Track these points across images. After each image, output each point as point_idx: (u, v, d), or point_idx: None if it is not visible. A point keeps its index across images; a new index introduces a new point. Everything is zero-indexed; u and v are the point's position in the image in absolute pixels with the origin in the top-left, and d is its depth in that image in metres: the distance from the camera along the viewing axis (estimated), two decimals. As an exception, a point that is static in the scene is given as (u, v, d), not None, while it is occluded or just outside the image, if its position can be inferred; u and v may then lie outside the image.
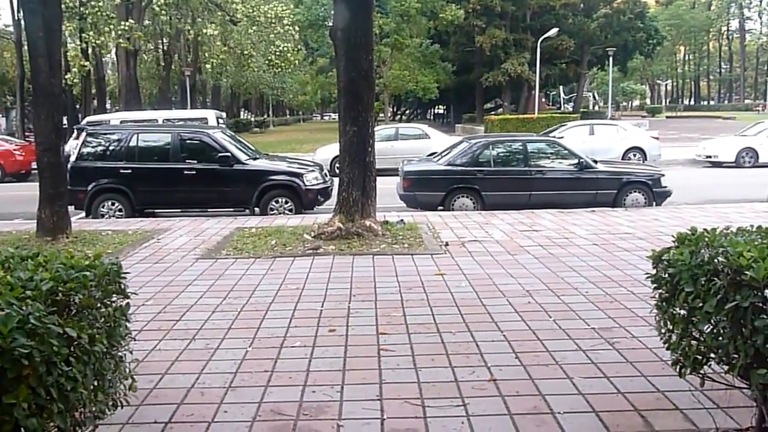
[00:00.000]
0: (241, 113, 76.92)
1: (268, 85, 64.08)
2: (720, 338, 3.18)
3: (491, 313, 5.79)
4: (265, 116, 76.86)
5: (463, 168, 12.58)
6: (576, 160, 12.68)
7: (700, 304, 3.21)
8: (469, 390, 4.16)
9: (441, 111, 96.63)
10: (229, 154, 12.34)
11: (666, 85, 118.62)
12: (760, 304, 2.94)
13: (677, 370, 3.52)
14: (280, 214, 12.24)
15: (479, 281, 6.94)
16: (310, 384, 4.30)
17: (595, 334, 5.18)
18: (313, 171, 12.90)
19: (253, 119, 68.46)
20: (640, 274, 6.62)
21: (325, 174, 13.42)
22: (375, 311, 5.88)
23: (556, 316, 5.65)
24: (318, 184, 12.67)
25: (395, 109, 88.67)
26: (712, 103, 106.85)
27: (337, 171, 10.64)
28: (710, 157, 22.98)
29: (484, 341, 5.04)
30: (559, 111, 65.08)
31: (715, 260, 3.20)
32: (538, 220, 10.94)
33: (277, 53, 29.09)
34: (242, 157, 12.60)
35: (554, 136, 18.68)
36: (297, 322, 5.60)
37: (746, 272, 2.92)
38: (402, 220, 10.63)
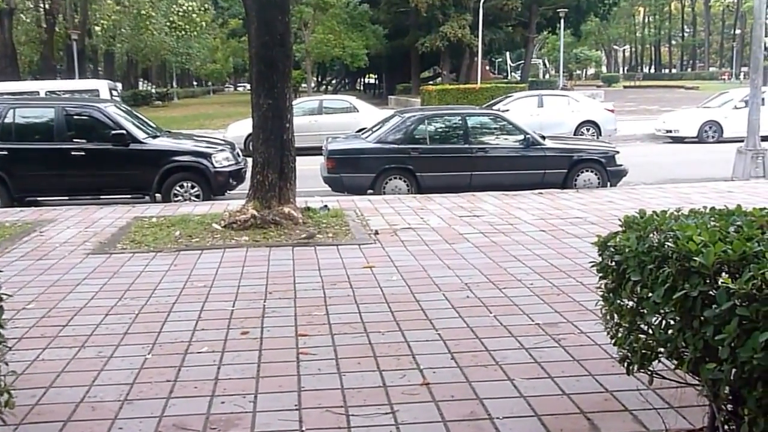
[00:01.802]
0: (140, 84, 75.17)
1: (170, 51, 62.62)
2: (669, 331, 3.30)
3: (425, 309, 5.87)
4: (168, 88, 75.47)
5: (396, 146, 12.68)
6: (522, 136, 12.93)
7: (648, 295, 3.29)
8: (398, 396, 4.22)
9: (372, 81, 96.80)
10: (124, 131, 12.14)
11: (624, 51, 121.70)
12: (710, 293, 3.08)
13: (625, 367, 3.65)
14: (185, 200, 12.18)
15: (412, 274, 7.03)
16: (219, 394, 4.29)
17: (539, 331, 5.32)
18: (223, 151, 12.85)
19: (153, 91, 66.96)
20: (589, 263, 6.89)
21: (238, 154, 13.41)
22: (294, 310, 5.91)
23: (498, 312, 5.77)
24: (229, 165, 12.64)
25: (319, 79, 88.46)
26: (674, 71, 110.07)
27: (252, 150, 10.62)
28: (671, 131, 23.74)
29: (416, 341, 5.11)
30: (505, 80, 65.98)
31: (664, 246, 3.32)
32: (480, 204, 11.16)
33: (181, 13, 28.58)
34: (140, 135, 12.44)
35: (499, 109, 19.02)
36: (204, 325, 5.58)
37: (695, 258, 3.00)
38: (326, 206, 10.70)
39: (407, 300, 6.16)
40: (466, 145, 12.77)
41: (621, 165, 13.24)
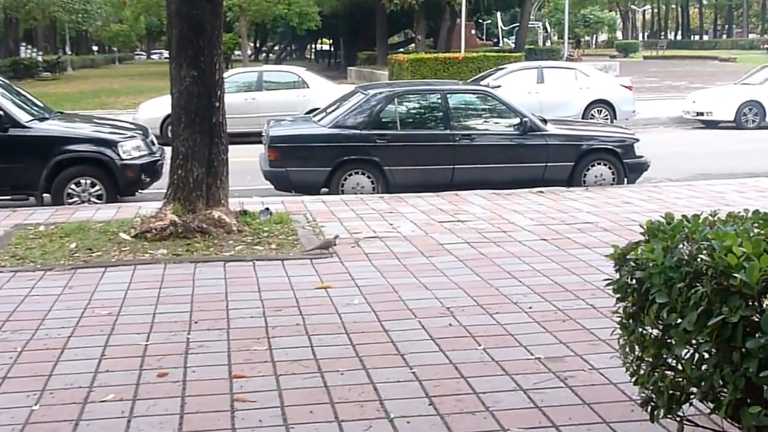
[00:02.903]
0: (22, 50, 74.35)
1: (62, 6, 62.09)
2: (703, 366, 3.32)
3: (396, 341, 5.87)
4: (60, 55, 74.34)
5: (357, 132, 12.72)
6: (518, 120, 12.96)
7: (677, 321, 3.33)
8: (363, 454, 4.28)
9: (326, 48, 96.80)
10: (0, 112, 12.06)
11: (644, 12, 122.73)
12: (754, 318, 3.06)
13: (648, 412, 3.68)
14: (83, 203, 12.01)
15: (380, 296, 7.08)
16: (130, 456, 4.32)
17: (540, 367, 5.33)
18: (133, 138, 12.71)
19: (40, 59, 66.07)
20: (603, 280, 7.00)
21: (153, 142, 13.28)
22: (227, 344, 5.89)
23: (488, 344, 5.78)
24: (141, 156, 12.49)
25: (257, 45, 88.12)
26: (705, 38, 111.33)
27: (171, 137, 10.55)
28: (702, 114, 23.89)
29: (385, 383, 5.10)
30: (495, 48, 66.36)
31: (697, 259, 3.32)
32: (465, 206, 11.23)
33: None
34: (22, 116, 12.26)
35: (488, 85, 18.96)
36: (109, 365, 5.51)
37: (735, 275, 3.02)
38: (268, 209, 10.62)
39: (373, 329, 6.17)
40: (447, 131, 12.86)
41: (641, 156, 13.33)
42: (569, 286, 7.28)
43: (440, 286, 7.36)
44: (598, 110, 22.79)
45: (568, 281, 7.45)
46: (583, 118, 21.85)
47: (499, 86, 20.30)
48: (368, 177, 12.72)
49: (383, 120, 12.96)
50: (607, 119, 22.06)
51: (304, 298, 7.04)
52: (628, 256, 3.82)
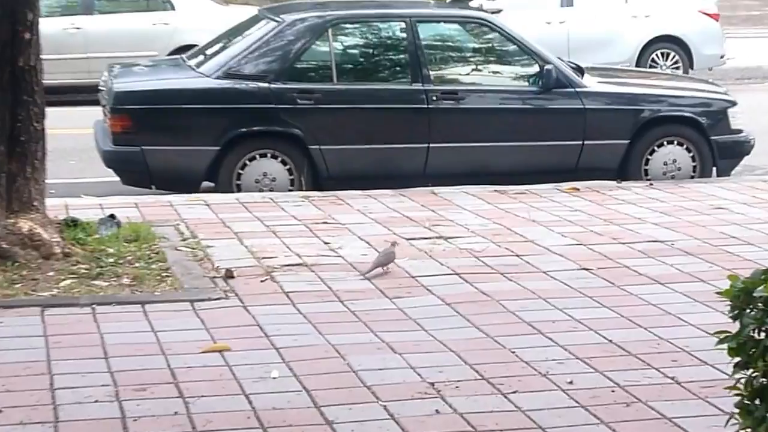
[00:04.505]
0: None
1: None
2: None
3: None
4: None
5: (265, 86, 12.73)
6: (535, 68, 13.06)
7: None
8: None
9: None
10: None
11: None
12: None
13: None
14: None
15: (315, 365, 6.88)
16: None
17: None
18: None
19: None
20: (690, 336, 7.26)
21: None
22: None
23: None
24: None
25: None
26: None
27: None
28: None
29: None
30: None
31: None
32: (450, 212, 11.27)
33: None
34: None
35: (482, 8, 19.13)
36: None
37: None
38: (113, 217, 10.40)
39: (307, 422, 5.99)
40: (417, 86, 12.85)
41: (739, 131, 13.39)
42: (633, 348, 7.09)
43: (416, 348, 7.15)
44: (662, 53, 22.84)
45: (629, 339, 7.28)
46: (637, 65, 21.98)
47: (499, 10, 20.18)
48: (283, 163, 12.72)
49: (308, 67, 13.00)
50: (677, 68, 22.08)
51: (184, 369, 6.78)
52: (755, 293, 3.73)
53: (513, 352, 7.10)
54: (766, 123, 14.40)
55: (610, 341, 7.29)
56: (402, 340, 7.38)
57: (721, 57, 23.16)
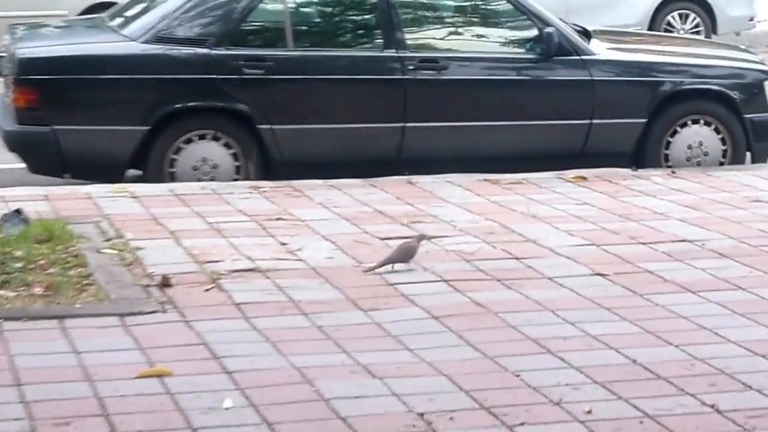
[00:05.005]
0: None
1: None
2: None
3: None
4: None
5: (203, 52, 12.77)
6: (533, 31, 13.13)
7: None
8: None
9: None
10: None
11: None
12: None
13: None
14: None
15: (276, 393, 6.68)
16: None
17: None
18: None
19: None
20: (730, 354, 7.15)
21: None
22: None
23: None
24: None
25: None
26: None
27: None
28: None
29: None
30: None
31: None
32: (432, 205, 11.31)
33: None
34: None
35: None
36: None
37: None
38: (19, 212, 10.40)
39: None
40: (391, 52, 12.90)
41: None
42: (662, 369, 6.88)
43: (400, 371, 6.95)
44: (680, 14, 22.92)
45: (657, 359, 7.09)
46: (650, 29, 21.89)
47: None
48: (227, 146, 12.71)
49: (258, 28, 13.03)
50: (698, 32, 22.09)
51: (115, 398, 6.54)
52: None
53: (517, 376, 6.90)
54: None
55: (634, 362, 7.11)
56: (382, 361, 7.18)
57: (751, 19, 23.25)
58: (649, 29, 21.68)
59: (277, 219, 10.69)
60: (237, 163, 12.36)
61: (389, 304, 8.32)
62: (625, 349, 7.30)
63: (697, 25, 22.35)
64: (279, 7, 12.52)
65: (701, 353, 7.14)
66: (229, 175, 12.28)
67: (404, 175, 12.10)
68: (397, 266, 9.14)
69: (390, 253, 8.99)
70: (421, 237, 9.06)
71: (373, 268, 8.83)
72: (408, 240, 9.09)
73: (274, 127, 12.33)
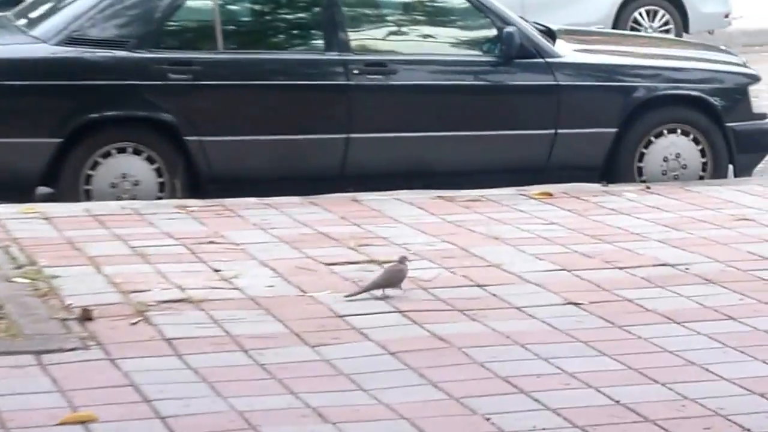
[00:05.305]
0: None
1: None
2: None
3: None
4: None
5: (124, 54, 12.82)
6: (490, 30, 13.34)
7: None
8: None
9: None
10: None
11: None
12: None
13: None
14: None
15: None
16: None
17: None
18: None
19: None
20: (724, 394, 7.11)
21: None
22: None
23: None
24: None
25: None
26: None
27: None
28: None
29: None
30: None
31: None
32: (381, 226, 11.38)
33: None
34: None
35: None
36: None
37: None
38: None
39: None
40: (333, 55, 12.97)
41: (765, 116, 13.41)
42: (650, 411, 6.78)
43: (355, 414, 6.81)
44: (648, 11, 22.99)
45: (643, 398, 7.00)
46: (614, 27, 21.98)
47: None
48: (150, 160, 12.73)
49: (184, 28, 13.07)
50: (667, 31, 22.18)
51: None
52: None
53: (488, 419, 6.75)
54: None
55: (618, 402, 7.00)
56: (334, 403, 7.02)
57: (726, 16, 23.38)
58: (613, 28, 21.75)
59: (208, 242, 10.60)
60: (161, 180, 12.26)
61: (339, 339, 8.23)
62: (606, 388, 7.20)
63: (666, 23, 22.55)
64: (208, 4, 12.44)
65: (692, 392, 7.05)
66: (152, 192, 12.19)
67: (349, 192, 12.05)
68: (389, 291, 9.14)
69: (375, 278, 8.94)
70: (404, 258, 9.02)
71: (356, 294, 8.81)
72: (392, 263, 9.07)
73: (203, 138, 12.28)
